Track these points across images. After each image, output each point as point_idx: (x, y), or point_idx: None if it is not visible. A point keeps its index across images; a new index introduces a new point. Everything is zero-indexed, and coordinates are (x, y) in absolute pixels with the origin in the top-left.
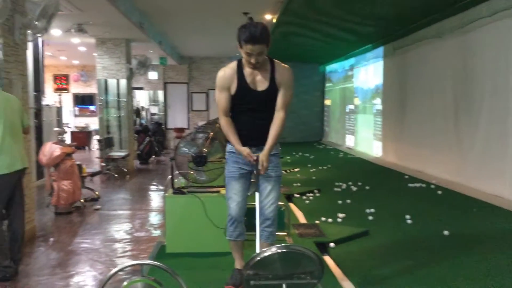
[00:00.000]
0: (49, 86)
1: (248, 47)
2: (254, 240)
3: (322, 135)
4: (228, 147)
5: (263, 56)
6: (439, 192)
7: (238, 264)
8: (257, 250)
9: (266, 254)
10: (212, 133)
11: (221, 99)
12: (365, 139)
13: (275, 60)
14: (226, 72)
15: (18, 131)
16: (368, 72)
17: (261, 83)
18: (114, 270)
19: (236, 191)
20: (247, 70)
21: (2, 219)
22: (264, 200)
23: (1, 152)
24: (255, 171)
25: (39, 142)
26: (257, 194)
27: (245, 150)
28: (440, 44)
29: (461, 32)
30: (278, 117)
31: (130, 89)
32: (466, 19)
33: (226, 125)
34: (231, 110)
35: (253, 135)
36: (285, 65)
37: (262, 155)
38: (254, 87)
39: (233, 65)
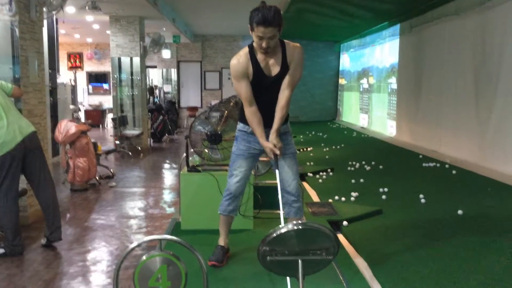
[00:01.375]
0: (63, 64)
1: (260, 30)
2: (270, 218)
3: (336, 114)
4: (240, 126)
5: (275, 40)
6: (454, 171)
7: (222, 241)
8: None
9: (282, 230)
10: (226, 112)
11: (241, 88)
12: (379, 119)
13: (285, 40)
14: (240, 60)
15: (5, 106)
16: (383, 50)
17: (274, 68)
18: (133, 244)
19: (241, 169)
20: (259, 56)
21: (16, 197)
22: (285, 178)
23: (8, 130)
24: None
25: (54, 120)
26: (277, 172)
27: (269, 146)
28: (458, 22)
29: (481, 9)
30: (284, 96)
31: (144, 67)
32: None
33: (251, 116)
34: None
35: (266, 117)
36: (296, 44)
37: (271, 138)
38: (268, 73)
39: (245, 51)
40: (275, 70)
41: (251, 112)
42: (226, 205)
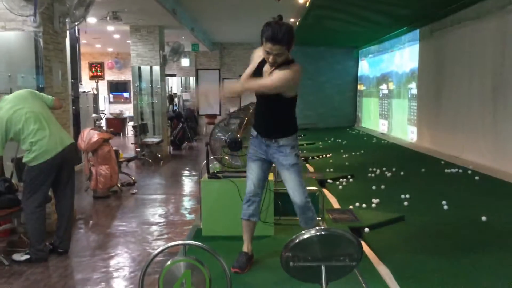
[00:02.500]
0: (85, 74)
1: (267, 46)
2: (290, 225)
3: (355, 120)
4: (251, 131)
5: (282, 58)
6: (477, 177)
7: (245, 247)
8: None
9: (305, 236)
10: (246, 118)
11: (247, 71)
12: (399, 124)
13: (293, 63)
14: (259, 53)
15: (47, 117)
16: (403, 56)
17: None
18: (158, 249)
19: (251, 171)
20: (266, 66)
21: (45, 202)
22: (288, 190)
23: (38, 142)
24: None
25: (77, 129)
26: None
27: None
28: (479, 26)
29: (502, 13)
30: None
31: (163, 75)
32: (506, 0)
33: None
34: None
35: (261, 126)
36: (296, 64)
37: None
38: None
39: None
40: None
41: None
42: (245, 209)
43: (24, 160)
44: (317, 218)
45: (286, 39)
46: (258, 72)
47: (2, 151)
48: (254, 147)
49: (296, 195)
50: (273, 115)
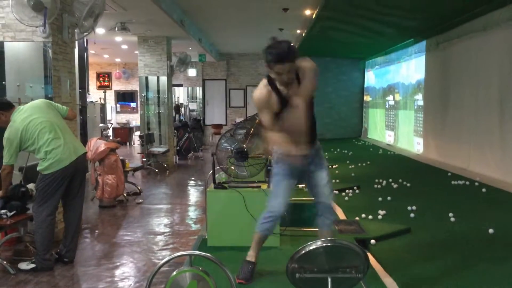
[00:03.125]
0: (92, 84)
1: (277, 67)
2: (297, 236)
3: (361, 131)
4: (279, 150)
5: (293, 72)
6: (484, 189)
7: (253, 257)
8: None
9: (311, 247)
10: (252, 129)
11: (266, 118)
12: (405, 136)
13: (304, 61)
14: (263, 92)
15: (61, 127)
16: (409, 67)
17: (294, 92)
18: (164, 259)
19: (285, 190)
20: (280, 85)
21: (54, 216)
22: (324, 189)
23: (53, 151)
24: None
25: (84, 138)
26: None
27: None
28: (486, 38)
29: (508, 25)
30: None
31: (170, 86)
32: None
33: (275, 135)
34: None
35: (300, 135)
36: (303, 59)
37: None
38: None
39: (264, 83)
40: (295, 92)
41: (274, 133)
42: (268, 226)
43: (38, 168)
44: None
45: (292, 53)
46: (283, 103)
47: (15, 160)
48: (286, 163)
49: (330, 195)
50: (310, 119)
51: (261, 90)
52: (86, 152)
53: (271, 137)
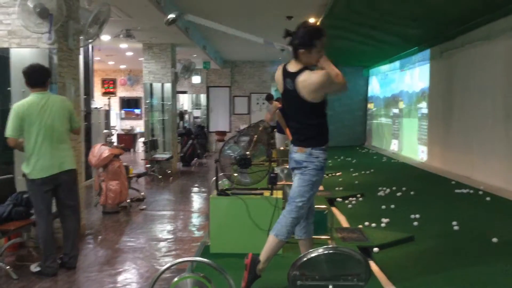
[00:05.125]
0: (97, 90)
1: (324, 40)
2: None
3: (365, 139)
4: (324, 154)
5: None
6: (488, 198)
7: (265, 264)
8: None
9: (312, 255)
10: (256, 136)
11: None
12: (409, 144)
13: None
14: (278, 72)
15: (59, 135)
16: (413, 75)
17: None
18: (166, 265)
19: (311, 196)
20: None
21: (48, 219)
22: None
23: (37, 158)
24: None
25: (88, 144)
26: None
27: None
28: (490, 47)
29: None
30: None
31: (175, 92)
32: None
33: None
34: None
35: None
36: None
37: None
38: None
39: (280, 66)
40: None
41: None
42: (292, 231)
43: (22, 169)
44: (326, 237)
45: None
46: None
47: (17, 134)
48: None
49: (288, 206)
50: (299, 122)
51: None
52: (74, 169)
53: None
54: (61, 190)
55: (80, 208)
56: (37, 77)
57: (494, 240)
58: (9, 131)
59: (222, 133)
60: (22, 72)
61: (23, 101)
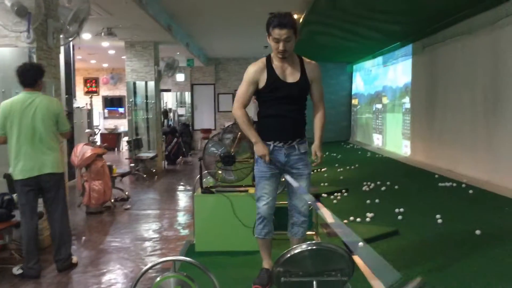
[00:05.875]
0: (79, 89)
1: (276, 32)
2: (283, 239)
3: (350, 134)
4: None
5: (291, 44)
6: (471, 191)
7: (266, 264)
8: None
9: (296, 251)
10: (240, 133)
11: (246, 92)
12: (393, 138)
13: (302, 56)
14: (256, 66)
15: (40, 137)
16: (396, 70)
17: (291, 76)
18: (148, 266)
19: (266, 191)
20: (276, 64)
21: (31, 218)
22: (299, 198)
23: (17, 159)
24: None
25: (71, 144)
26: (289, 194)
27: (263, 150)
28: (471, 41)
29: (493, 28)
30: (320, 110)
31: (158, 91)
32: (498, 15)
33: (243, 117)
34: (260, 105)
35: (283, 128)
36: (312, 61)
37: (315, 147)
38: (284, 79)
39: (262, 60)
40: (292, 77)
41: (244, 114)
42: (260, 229)
43: (9, 169)
44: (312, 233)
45: (292, 22)
46: (273, 81)
47: (2, 132)
48: (266, 163)
49: (305, 205)
50: (298, 116)
51: (256, 63)
52: (55, 173)
53: (240, 116)
54: (45, 192)
55: (67, 212)
56: (26, 76)
57: (477, 232)
58: None
59: (207, 131)
60: (15, 71)
61: (10, 99)
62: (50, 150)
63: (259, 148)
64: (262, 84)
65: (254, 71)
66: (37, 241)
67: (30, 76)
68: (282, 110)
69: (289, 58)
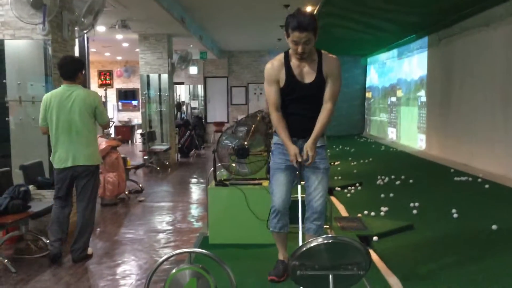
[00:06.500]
0: (94, 82)
1: (295, 35)
2: (298, 233)
3: (363, 128)
4: (275, 139)
5: (310, 46)
6: (487, 186)
7: (281, 256)
8: (300, 243)
9: (312, 244)
10: (254, 126)
11: (271, 93)
12: (408, 132)
13: (322, 51)
14: (274, 65)
15: (77, 129)
16: (412, 63)
17: (308, 75)
18: (164, 257)
19: (280, 183)
20: (294, 62)
21: (60, 204)
22: (313, 193)
23: (55, 148)
24: (297, 165)
25: None
26: (299, 187)
27: (294, 150)
28: (488, 33)
29: (510, 20)
30: (326, 108)
31: (172, 83)
32: None
33: (277, 121)
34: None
35: (300, 127)
36: (333, 56)
37: (307, 145)
38: (301, 79)
39: (280, 57)
40: (309, 77)
41: (277, 117)
42: (275, 222)
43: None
44: (326, 226)
45: (312, 25)
46: (290, 82)
47: (45, 124)
48: (282, 155)
49: (322, 201)
50: (314, 114)
51: (274, 60)
52: (88, 165)
53: (273, 119)
54: (77, 184)
55: (94, 205)
56: (66, 69)
57: (494, 227)
58: (40, 121)
59: (220, 124)
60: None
61: (51, 92)
62: (86, 143)
63: (290, 152)
64: (281, 83)
65: (272, 71)
66: (62, 224)
67: (70, 69)
68: (298, 109)
69: (308, 56)
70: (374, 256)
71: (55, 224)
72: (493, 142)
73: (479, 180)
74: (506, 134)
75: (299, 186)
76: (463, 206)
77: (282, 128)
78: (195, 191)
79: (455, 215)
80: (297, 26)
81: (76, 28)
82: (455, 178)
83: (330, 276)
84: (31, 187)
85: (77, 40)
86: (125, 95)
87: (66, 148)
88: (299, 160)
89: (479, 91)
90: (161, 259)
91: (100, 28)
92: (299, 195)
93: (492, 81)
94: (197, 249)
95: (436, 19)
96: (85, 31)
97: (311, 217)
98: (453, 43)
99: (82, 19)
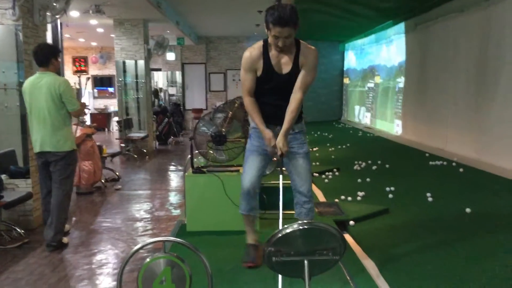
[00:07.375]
0: (68, 68)
1: (276, 30)
2: (275, 219)
3: (341, 114)
4: (253, 123)
5: (291, 39)
6: (461, 170)
7: (250, 239)
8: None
9: (287, 230)
10: (231, 113)
11: (246, 80)
12: (385, 117)
13: (301, 41)
14: (252, 53)
15: (45, 116)
16: (389, 49)
17: (285, 66)
18: (137, 246)
19: (253, 165)
20: (273, 53)
21: (43, 190)
22: (297, 178)
23: (31, 134)
24: (275, 155)
25: None
26: (280, 176)
27: (268, 134)
28: (463, 19)
29: (486, 5)
30: (295, 98)
31: (148, 70)
32: None
33: (250, 105)
34: (255, 91)
35: (275, 116)
36: (311, 47)
37: (278, 141)
38: (278, 70)
39: (259, 45)
40: (286, 68)
41: (250, 101)
42: (244, 204)
43: None
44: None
45: (294, 19)
46: (267, 73)
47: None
48: (261, 139)
49: (306, 185)
50: (288, 100)
51: (252, 49)
52: (55, 152)
53: (246, 104)
54: (51, 170)
55: (66, 191)
56: (39, 56)
57: (468, 210)
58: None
59: (199, 111)
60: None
61: (27, 79)
62: (51, 130)
63: (265, 136)
64: (259, 73)
65: (250, 60)
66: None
67: (43, 55)
68: (273, 99)
69: (287, 47)
70: (350, 240)
71: (46, 214)
72: (468, 127)
73: (454, 164)
74: (479, 119)
75: (281, 176)
76: (437, 190)
77: (255, 113)
78: (174, 179)
79: (430, 199)
80: (278, 21)
81: (48, 13)
82: (430, 163)
83: (306, 261)
84: (3, 176)
85: (49, 26)
86: (101, 82)
87: (35, 135)
88: (273, 144)
89: (454, 77)
90: (134, 248)
91: (74, 13)
92: (280, 181)
93: (467, 67)
94: (171, 238)
95: (412, 5)
96: (57, 16)
97: (300, 201)
98: (428, 28)
99: (54, 4)
